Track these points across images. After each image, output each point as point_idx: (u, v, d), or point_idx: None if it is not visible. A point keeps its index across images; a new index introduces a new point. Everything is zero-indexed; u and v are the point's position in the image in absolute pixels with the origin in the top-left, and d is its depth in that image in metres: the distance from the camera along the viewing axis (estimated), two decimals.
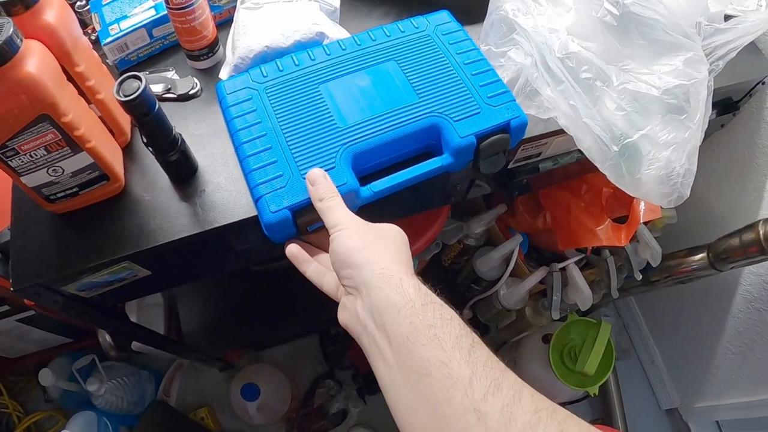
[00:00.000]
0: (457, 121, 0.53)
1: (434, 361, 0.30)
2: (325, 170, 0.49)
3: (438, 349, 0.30)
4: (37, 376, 1.03)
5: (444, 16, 0.60)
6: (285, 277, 0.87)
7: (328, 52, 0.57)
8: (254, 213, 0.56)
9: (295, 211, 0.48)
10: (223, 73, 0.62)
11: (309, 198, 0.48)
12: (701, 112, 0.61)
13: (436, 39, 0.58)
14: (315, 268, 0.48)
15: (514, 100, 0.55)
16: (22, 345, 1.08)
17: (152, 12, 0.67)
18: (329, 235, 0.43)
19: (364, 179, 0.53)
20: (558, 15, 0.62)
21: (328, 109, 0.53)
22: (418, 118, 0.53)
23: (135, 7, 0.68)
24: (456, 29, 0.59)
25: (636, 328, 1.43)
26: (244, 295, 1.11)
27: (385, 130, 0.52)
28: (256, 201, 0.49)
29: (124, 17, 0.67)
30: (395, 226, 0.45)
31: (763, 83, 0.86)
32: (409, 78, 0.55)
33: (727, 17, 0.66)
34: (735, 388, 1.15)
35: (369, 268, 0.37)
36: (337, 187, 0.48)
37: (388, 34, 0.58)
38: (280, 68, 0.56)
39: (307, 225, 0.50)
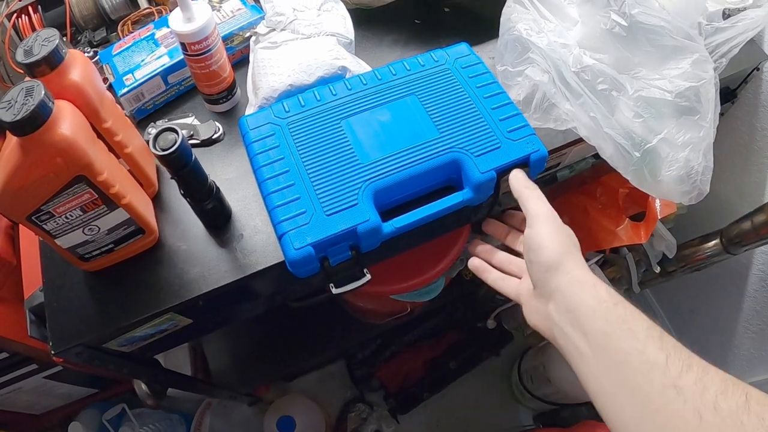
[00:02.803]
0: (478, 156, 0.54)
1: (631, 351, 0.35)
2: (348, 207, 0.50)
3: (633, 340, 0.35)
4: (65, 431, 1.02)
5: (463, 48, 0.61)
6: (307, 307, 0.87)
7: (350, 87, 0.58)
8: None
9: (317, 247, 0.49)
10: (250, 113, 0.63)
11: (331, 234, 0.49)
12: (712, 110, 0.63)
13: (455, 72, 0.59)
14: (495, 276, 0.55)
15: (534, 134, 0.56)
16: (48, 400, 1.06)
17: (166, 59, 0.67)
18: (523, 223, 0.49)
19: (386, 213, 0.53)
20: (566, 29, 0.64)
21: (349, 144, 0.54)
22: (439, 153, 0.54)
23: (146, 56, 0.68)
24: (476, 62, 0.60)
25: (654, 318, 1.42)
26: (267, 329, 1.11)
27: (407, 166, 0.53)
28: (279, 237, 0.50)
29: (138, 66, 0.67)
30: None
31: (758, 69, 0.89)
32: (429, 113, 0.56)
33: (725, 13, 0.68)
34: (758, 366, 1.17)
35: (565, 275, 0.42)
36: (359, 224, 0.49)
37: (408, 68, 0.59)
38: (302, 103, 0.57)
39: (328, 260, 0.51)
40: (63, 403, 1.09)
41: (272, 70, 0.61)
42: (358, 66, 0.63)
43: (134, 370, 0.70)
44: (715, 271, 1.13)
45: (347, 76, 0.61)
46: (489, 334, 1.29)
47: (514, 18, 0.63)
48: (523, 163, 0.55)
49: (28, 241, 0.72)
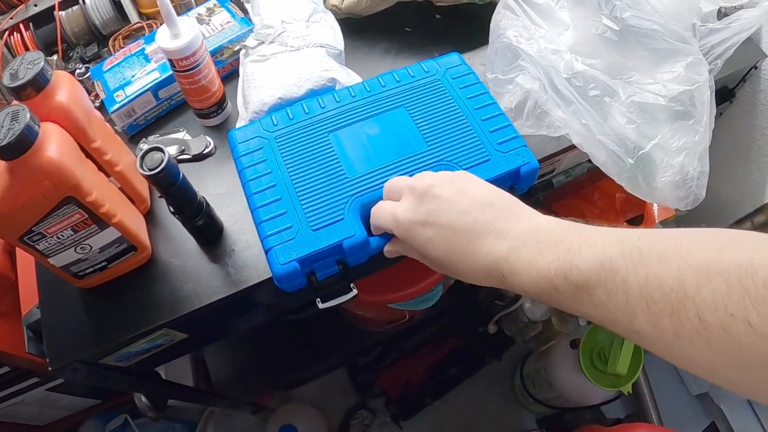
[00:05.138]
0: (467, 169, 0.53)
1: None
2: (334, 222, 0.50)
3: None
4: None
5: (455, 59, 0.60)
6: (308, 316, 0.87)
7: (338, 100, 0.57)
8: None
9: (303, 262, 0.49)
10: None
11: (316, 250, 0.49)
12: (707, 113, 0.62)
13: (446, 83, 0.58)
14: None
15: (525, 146, 0.54)
16: (51, 412, 1.07)
17: (156, 74, 0.67)
18: None
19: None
20: (558, 34, 0.63)
21: (337, 158, 0.53)
22: (427, 166, 0.53)
23: (136, 71, 0.68)
24: (467, 72, 0.59)
25: None
26: (268, 338, 1.11)
27: None
28: (266, 252, 0.50)
29: (128, 82, 0.67)
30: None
31: (756, 68, 0.88)
32: (418, 125, 0.55)
33: (720, 13, 0.67)
34: None
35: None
36: (345, 239, 0.49)
37: (398, 79, 0.58)
38: (291, 117, 0.56)
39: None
40: (67, 413, 1.10)
41: (261, 84, 0.61)
42: (348, 77, 0.63)
43: (133, 384, 0.71)
44: None
45: (337, 88, 0.61)
46: (490, 338, 1.28)
47: (503, 25, 0.62)
48: (514, 176, 0.54)
49: (25, 257, 0.72)
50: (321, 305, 0.52)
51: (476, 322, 1.26)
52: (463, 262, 0.40)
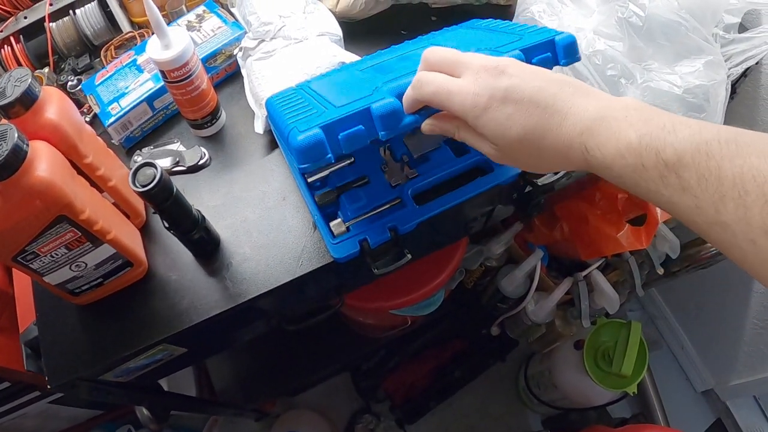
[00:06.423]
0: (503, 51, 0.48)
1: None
2: (363, 97, 0.44)
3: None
4: None
5: (475, 19, 0.63)
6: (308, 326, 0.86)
7: (372, 56, 0.59)
8: (287, 279, 0.56)
9: (327, 129, 0.42)
10: (258, 127, 0.63)
11: (341, 115, 0.42)
12: (720, 111, 0.62)
13: (474, 27, 0.60)
14: None
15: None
16: (54, 423, 1.06)
17: (150, 84, 0.66)
18: None
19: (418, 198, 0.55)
20: (583, 16, 0.64)
21: (372, 73, 0.51)
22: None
23: (130, 83, 0.67)
24: (489, 21, 0.59)
25: (662, 317, 1.42)
26: (270, 345, 1.10)
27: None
28: (287, 135, 0.44)
29: (123, 94, 0.66)
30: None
31: (757, 63, 0.86)
32: (447, 42, 0.55)
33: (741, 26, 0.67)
34: None
35: None
36: (373, 102, 0.42)
37: (426, 39, 0.60)
38: (325, 74, 0.59)
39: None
40: (69, 425, 1.09)
41: (273, 79, 0.61)
42: (356, 59, 0.63)
43: (135, 398, 0.70)
44: (720, 267, 1.11)
45: None
46: (493, 340, 1.27)
47: (529, 0, 0.64)
48: (550, 47, 0.47)
49: (22, 274, 0.72)
50: (377, 272, 0.54)
51: (479, 325, 1.26)
52: (544, 139, 0.37)
